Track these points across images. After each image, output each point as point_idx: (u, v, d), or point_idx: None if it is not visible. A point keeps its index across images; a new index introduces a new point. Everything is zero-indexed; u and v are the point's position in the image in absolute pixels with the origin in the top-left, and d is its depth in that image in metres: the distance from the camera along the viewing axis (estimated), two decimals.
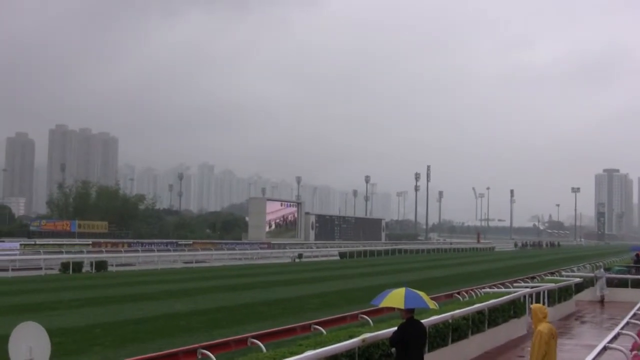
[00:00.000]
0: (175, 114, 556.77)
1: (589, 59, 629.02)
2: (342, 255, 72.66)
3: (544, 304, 22.08)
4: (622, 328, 12.98)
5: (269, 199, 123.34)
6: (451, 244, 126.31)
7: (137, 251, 62.33)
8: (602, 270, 32.67)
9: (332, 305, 25.04)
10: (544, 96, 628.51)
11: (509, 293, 19.73)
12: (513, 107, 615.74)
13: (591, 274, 32.34)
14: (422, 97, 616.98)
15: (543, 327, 9.20)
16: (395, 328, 9.13)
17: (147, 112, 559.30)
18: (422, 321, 10.49)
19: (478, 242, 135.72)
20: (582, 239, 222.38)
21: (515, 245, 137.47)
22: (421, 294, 8.80)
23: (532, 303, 18.53)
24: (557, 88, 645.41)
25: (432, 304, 8.99)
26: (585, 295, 29.65)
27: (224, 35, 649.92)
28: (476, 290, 24.22)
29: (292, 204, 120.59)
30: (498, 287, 25.91)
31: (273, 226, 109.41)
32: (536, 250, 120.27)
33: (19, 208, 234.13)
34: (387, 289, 8.98)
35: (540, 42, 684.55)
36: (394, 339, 8.87)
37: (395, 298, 8.63)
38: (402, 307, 8.54)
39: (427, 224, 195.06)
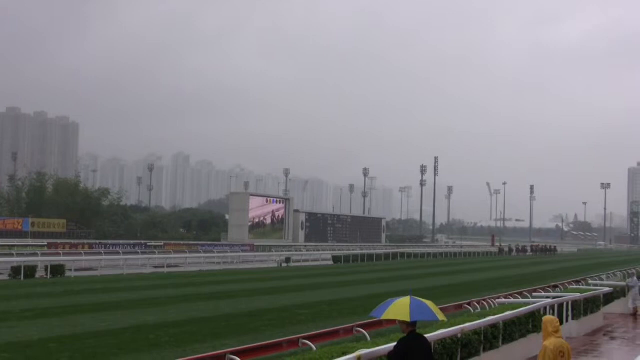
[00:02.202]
0: (146, 97, 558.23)
1: (626, 37, 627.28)
2: (336, 259, 72.83)
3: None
4: None
5: (252, 195, 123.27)
6: (462, 247, 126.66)
7: (99, 254, 62.25)
8: (635, 278, 32.69)
9: (324, 317, 25.07)
10: (572, 78, 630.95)
11: (527, 304, 19.72)
12: (535, 91, 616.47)
13: (622, 283, 32.40)
14: (432, 78, 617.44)
15: (550, 342, 9.18)
16: (395, 344, 9.10)
17: (114, 94, 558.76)
18: (428, 335, 10.46)
19: (492, 245, 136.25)
20: (602, 242, 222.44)
21: (500, 250, 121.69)
22: (428, 303, 8.75)
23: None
24: (588, 69, 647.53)
25: (442, 316, 8.92)
26: (616, 307, 29.72)
27: (210, 8, 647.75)
28: (490, 301, 24.24)
29: (279, 200, 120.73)
30: (515, 298, 25.94)
31: (257, 226, 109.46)
32: (519, 258, 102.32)
33: None
34: (390, 298, 8.92)
35: (571, 16, 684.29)
36: (393, 354, 8.85)
37: (399, 309, 8.54)
38: (408, 319, 8.47)
39: (434, 224, 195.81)
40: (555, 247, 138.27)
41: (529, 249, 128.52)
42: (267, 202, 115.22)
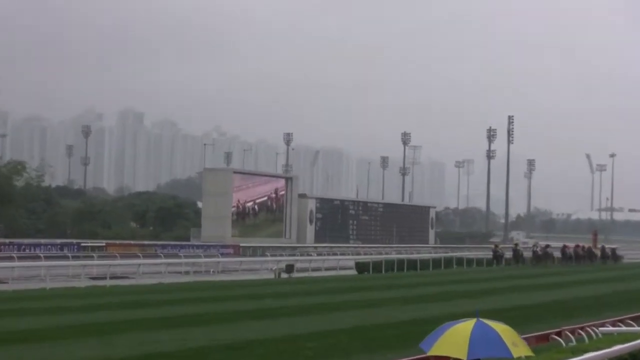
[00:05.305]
0: (80, 32, 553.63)
1: None
2: (361, 267, 72.99)
3: None
4: None
5: (237, 172, 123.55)
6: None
7: (10, 259, 62.49)
8: None
9: (342, 351, 25.22)
10: None
11: None
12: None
13: None
14: (499, 10, 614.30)
15: None
16: None
17: (32, 27, 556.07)
18: None
19: (594, 246, 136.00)
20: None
21: (496, 256, 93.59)
22: (500, 330, 8.60)
23: None
24: None
25: (522, 349, 8.66)
26: None
27: None
28: (590, 329, 24.31)
29: (276, 179, 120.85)
30: (628, 325, 25.96)
31: (244, 217, 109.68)
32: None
33: None
34: (447, 323, 8.73)
35: None
36: None
37: (454, 340, 8.37)
38: (465, 357, 8.35)
39: (507, 215, 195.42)
40: (614, 250, 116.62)
41: (557, 253, 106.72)
42: (259, 182, 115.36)
